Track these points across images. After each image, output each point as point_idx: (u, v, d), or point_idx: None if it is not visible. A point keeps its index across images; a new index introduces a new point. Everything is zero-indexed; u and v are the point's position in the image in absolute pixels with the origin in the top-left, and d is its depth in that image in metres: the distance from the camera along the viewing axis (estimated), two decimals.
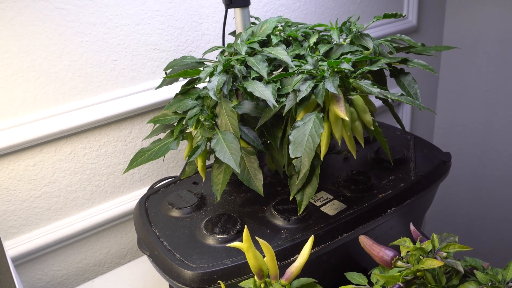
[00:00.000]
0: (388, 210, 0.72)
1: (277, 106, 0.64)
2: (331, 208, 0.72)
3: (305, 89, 0.62)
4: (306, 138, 0.60)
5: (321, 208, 0.72)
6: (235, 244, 0.53)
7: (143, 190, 0.98)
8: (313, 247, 0.56)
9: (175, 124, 0.73)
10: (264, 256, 0.55)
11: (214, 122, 0.68)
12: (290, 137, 0.61)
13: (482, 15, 1.43)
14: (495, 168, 1.58)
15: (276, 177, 0.82)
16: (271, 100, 0.62)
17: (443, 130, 1.68)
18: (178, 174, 1.00)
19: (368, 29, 0.77)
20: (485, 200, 1.64)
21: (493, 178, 1.59)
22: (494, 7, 1.40)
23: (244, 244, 0.52)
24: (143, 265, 0.92)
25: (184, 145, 0.98)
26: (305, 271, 0.56)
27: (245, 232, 0.52)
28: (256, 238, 0.54)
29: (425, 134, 1.68)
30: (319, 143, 0.61)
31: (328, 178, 0.80)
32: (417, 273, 0.52)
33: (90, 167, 0.91)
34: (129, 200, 0.97)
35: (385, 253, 0.56)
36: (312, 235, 0.55)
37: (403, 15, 0.76)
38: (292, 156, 0.60)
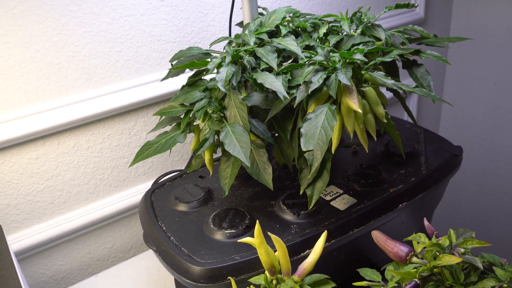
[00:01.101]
0: (400, 205, 0.71)
1: (288, 98, 0.62)
2: (341, 202, 0.71)
3: (317, 80, 0.60)
4: (318, 131, 0.59)
5: (331, 203, 0.71)
6: (247, 239, 0.52)
7: (148, 184, 0.97)
8: None
9: (181, 116, 0.72)
10: (275, 251, 0.54)
11: (223, 115, 0.66)
12: (301, 130, 0.60)
13: (490, 7, 1.41)
14: (502, 161, 1.56)
15: (284, 171, 0.80)
16: (282, 91, 0.61)
17: (449, 123, 1.66)
18: (183, 168, 0.99)
19: (377, 20, 0.75)
20: (492, 193, 1.63)
21: (500, 171, 1.58)
22: (502, 0, 1.38)
23: (256, 239, 0.51)
24: (148, 260, 0.91)
25: (189, 138, 0.97)
26: (315, 266, 0.54)
27: (257, 227, 0.51)
28: (268, 233, 0.52)
29: (431, 127, 1.66)
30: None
31: (338, 172, 0.78)
32: (434, 270, 0.51)
33: (94, 161, 0.89)
34: (133, 194, 0.95)
35: (399, 249, 0.55)
36: (325, 231, 0.54)
37: (416, 5, 0.75)
38: (304, 149, 0.59)
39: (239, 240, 0.53)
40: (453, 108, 1.62)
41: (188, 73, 0.82)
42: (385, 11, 0.75)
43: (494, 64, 1.46)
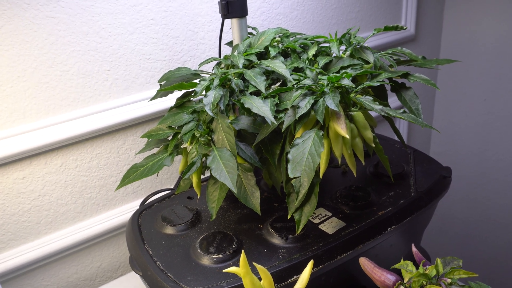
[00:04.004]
0: (388, 228, 0.70)
1: (276, 123, 0.61)
2: (330, 226, 0.70)
3: (304, 105, 0.60)
4: (305, 157, 0.58)
5: (320, 226, 0.70)
6: (232, 269, 0.51)
7: (136, 203, 0.96)
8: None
9: (169, 138, 0.71)
10: (260, 279, 0.53)
11: (210, 138, 0.66)
12: (289, 156, 0.59)
13: (479, 24, 1.42)
14: (492, 177, 1.57)
15: (273, 192, 0.80)
16: (269, 117, 0.60)
17: (440, 138, 1.67)
18: (172, 186, 0.98)
19: (366, 41, 0.75)
20: (481, 209, 1.63)
21: (490, 187, 1.58)
22: (491, 17, 1.39)
23: (241, 269, 0.50)
24: (136, 279, 0.90)
25: (178, 157, 0.96)
26: None
27: (242, 257, 0.50)
28: (254, 263, 0.51)
29: (422, 142, 1.66)
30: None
31: (327, 193, 0.78)
32: None
33: (81, 180, 0.88)
34: (121, 213, 0.94)
35: (387, 278, 0.54)
36: (312, 260, 0.53)
37: (404, 27, 0.75)
38: (291, 176, 0.58)
39: (224, 270, 0.52)
40: (443, 123, 1.63)
41: (177, 92, 0.82)
42: (373, 34, 0.75)
43: (483, 80, 1.47)
